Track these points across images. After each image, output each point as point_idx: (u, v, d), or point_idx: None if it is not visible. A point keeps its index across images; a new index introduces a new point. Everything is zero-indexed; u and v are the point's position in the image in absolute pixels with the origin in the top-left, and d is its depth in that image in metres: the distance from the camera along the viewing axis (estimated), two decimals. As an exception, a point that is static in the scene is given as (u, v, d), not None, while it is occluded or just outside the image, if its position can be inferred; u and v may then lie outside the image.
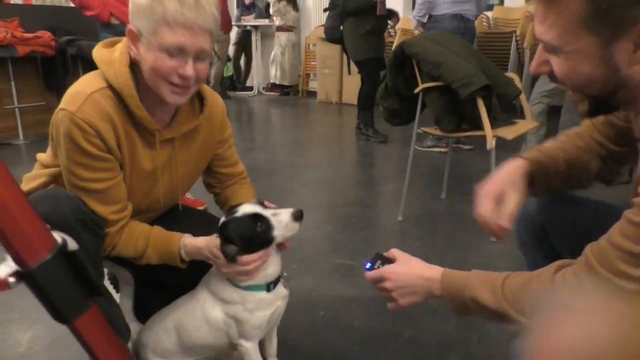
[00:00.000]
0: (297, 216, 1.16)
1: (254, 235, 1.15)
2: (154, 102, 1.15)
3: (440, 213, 2.76)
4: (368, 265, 1.06)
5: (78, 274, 0.69)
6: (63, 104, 1.10)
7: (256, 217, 1.15)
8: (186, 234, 1.24)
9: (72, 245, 0.70)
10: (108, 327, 0.77)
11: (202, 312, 1.22)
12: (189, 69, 1.08)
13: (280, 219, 1.16)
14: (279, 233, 1.16)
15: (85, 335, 0.72)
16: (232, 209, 1.20)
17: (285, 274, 1.29)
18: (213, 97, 1.32)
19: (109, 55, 1.14)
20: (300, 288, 1.94)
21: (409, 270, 1.01)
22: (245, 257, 1.15)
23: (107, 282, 1.60)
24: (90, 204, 1.13)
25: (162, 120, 1.22)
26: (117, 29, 2.24)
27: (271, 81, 7.53)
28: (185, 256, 1.23)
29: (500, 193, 1.05)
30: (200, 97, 1.28)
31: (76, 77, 1.18)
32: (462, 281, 0.94)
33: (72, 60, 3.85)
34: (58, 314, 0.69)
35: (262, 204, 1.21)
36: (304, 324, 1.70)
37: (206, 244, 1.20)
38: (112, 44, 1.19)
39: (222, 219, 1.19)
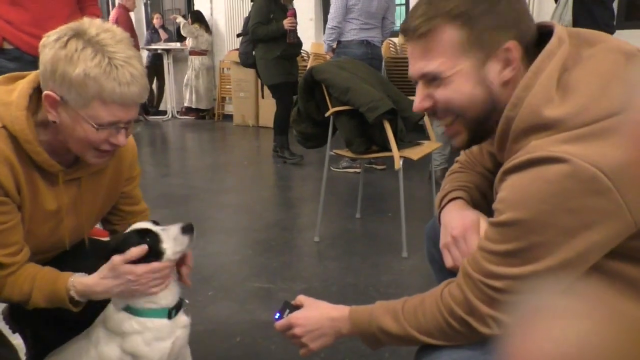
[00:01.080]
0: (186, 229, 1.16)
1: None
2: (57, 143, 1.10)
3: (355, 232, 2.85)
4: (277, 315, 1.07)
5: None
6: None
7: (143, 232, 1.14)
8: (76, 273, 1.16)
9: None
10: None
11: (96, 352, 1.16)
12: (122, 139, 1.06)
13: (169, 233, 1.16)
14: (167, 246, 1.15)
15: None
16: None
17: (186, 300, 1.26)
18: None
19: (6, 96, 1.07)
20: (217, 315, 1.90)
21: (316, 313, 1.03)
22: (128, 266, 1.11)
23: (1, 325, 1.48)
24: None
25: (67, 160, 1.16)
26: (10, 54, 2.10)
27: (186, 105, 7.39)
28: (78, 297, 1.14)
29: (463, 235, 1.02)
30: None
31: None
32: (367, 314, 0.98)
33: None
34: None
35: (155, 223, 1.20)
36: (219, 351, 1.67)
37: (99, 277, 1.13)
38: (12, 80, 1.11)
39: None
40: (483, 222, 1.00)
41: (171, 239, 1.15)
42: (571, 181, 0.73)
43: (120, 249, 1.13)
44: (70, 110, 1.01)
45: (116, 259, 1.13)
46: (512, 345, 0.37)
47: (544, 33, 0.89)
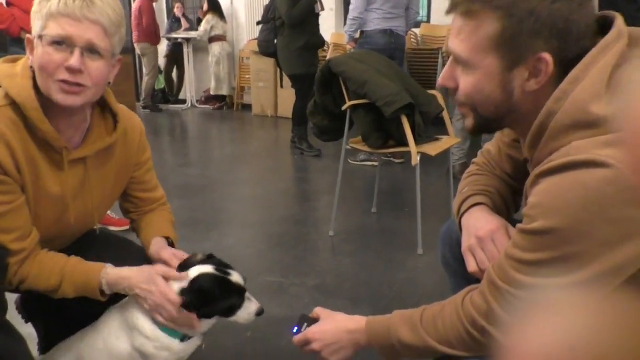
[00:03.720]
0: (260, 313, 1.18)
1: (230, 305, 1.15)
2: (59, 118, 1.11)
3: (370, 227, 2.82)
4: (295, 329, 1.07)
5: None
6: None
7: (241, 293, 1.16)
8: (108, 264, 1.17)
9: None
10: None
11: (105, 344, 1.17)
12: (74, 60, 1.03)
13: (251, 307, 1.17)
14: (240, 315, 1.16)
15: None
16: (222, 265, 1.19)
17: None
18: (128, 116, 1.28)
19: (10, 69, 1.10)
20: (228, 310, 1.90)
21: (332, 326, 1.02)
22: (160, 279, 1.13)
23: (14, 313, 1.49)
24: None
25: (72, 139, 1.16)
26: (27, 43, 2.12)
27: (211, 92, 7.36)
28: (106, 287, 1.15)
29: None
30: (112, 115, 1.23)
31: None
32: (385, 325, 0.95)
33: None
34: None
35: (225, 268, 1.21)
36: (229, 346, 1.67)
37: (136, 272, 1.15)
38: (13, 60, 1.14)
39: (207, 270, 1.16)
40: (510, 230, 0.94)
41: (246, 313, 1.17)
42: (613, 188, 0.68)
43: (210, 291, 1.14)
44: (36, 42, 1.05)
45: (159, 268, 1.17)
46: (508, 341, 0.36)
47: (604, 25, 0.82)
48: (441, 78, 0.90)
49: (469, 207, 1.03)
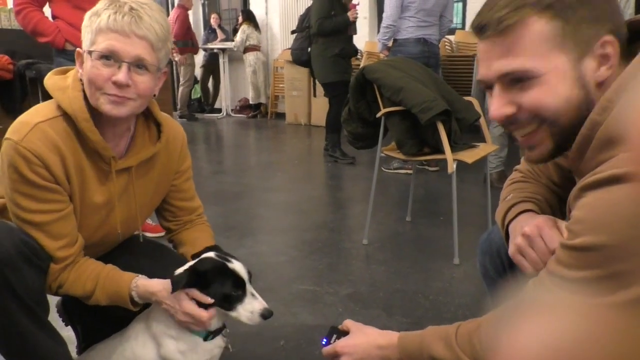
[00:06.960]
0: (265, 315, 1.13)
1: (225, 293, 1.13)
2: (107, 129, 1.14)
3: (405, 236, 2.77)
4: (324, 340, 1.06)
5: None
6: (8, 133, 1.07)
7: (239, 283, 1.13)
8: (140, 275, 1.18)
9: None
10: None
11: (132, 352, 1.18)
12: (122, 75, 1.06)
13: (254, 305, 1.13)
14: (241, 311, 1.13)
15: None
16: (222, 254, 1.19)
17: (227, 329, 1.26)
18: (171, 125, 1.30)
19: (61, 82, 1.13)
20: (261, 317, 1.89)
21: (362, 341, 1.00)
22: (201, 312, 1.13)
23: (55, 316, 1.53)
24: (37, 238, 1.09)
25: (117, 149, 1.19)
26: (72, 55, 2.18)
27: (250, 101, 7.48)
28: (138, 298, 1.17)
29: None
30: (157, 124, 1.25)
31: (35, 100, 1.17)
32: (417, 342, 0.93)
33: (31, 84, 3.75)
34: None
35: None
36: (262, 354, 1.66)
37: (163, 287, 1.15)
38: (64, 72, 1.18)
39: (208, 255, 1.17)
40: (560, 223, 0.87)
41: (248, 309, 1.13)
42: None
43: (206, 274, 1.13)
44: (86, 56, 1.08)
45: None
46: (501, 342, 0.36)
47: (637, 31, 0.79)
48: (495, 110, 0.80)
49: (517, 214, 0.98)
